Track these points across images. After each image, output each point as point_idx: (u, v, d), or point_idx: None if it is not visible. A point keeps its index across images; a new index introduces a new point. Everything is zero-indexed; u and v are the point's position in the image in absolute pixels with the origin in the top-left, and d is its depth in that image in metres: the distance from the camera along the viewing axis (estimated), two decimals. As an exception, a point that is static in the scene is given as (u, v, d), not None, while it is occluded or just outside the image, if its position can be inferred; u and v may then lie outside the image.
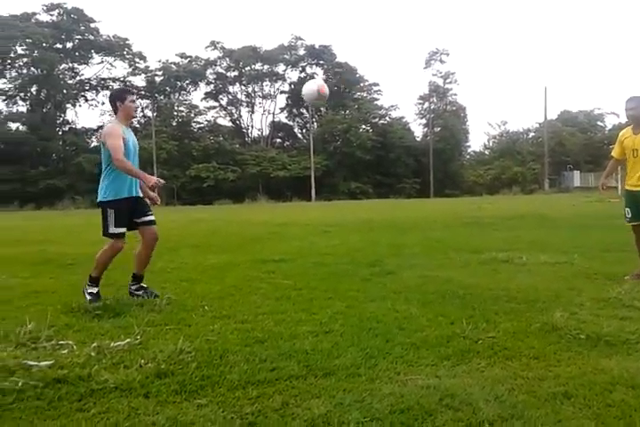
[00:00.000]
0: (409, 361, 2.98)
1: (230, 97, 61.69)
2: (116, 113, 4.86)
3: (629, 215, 5.47)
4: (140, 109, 57.96)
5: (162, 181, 4.55)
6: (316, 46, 59.65)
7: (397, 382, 2.69)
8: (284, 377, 2.77)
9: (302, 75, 61.40)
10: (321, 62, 60.87)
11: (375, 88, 62.69)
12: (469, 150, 66.00)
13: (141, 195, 4.86)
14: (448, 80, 60.61)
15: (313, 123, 58.88)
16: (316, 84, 5.65)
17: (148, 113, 56.18)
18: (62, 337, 3.46)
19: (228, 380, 2.75)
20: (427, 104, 61.09)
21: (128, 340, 3.37)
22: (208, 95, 60.50)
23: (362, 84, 62.61)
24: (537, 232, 10.06)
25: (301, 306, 4.31)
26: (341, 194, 49.58)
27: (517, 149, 59.39)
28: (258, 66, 59.76)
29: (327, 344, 3.27)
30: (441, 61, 60.18)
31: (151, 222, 4.81)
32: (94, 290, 4.69)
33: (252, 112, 61.99)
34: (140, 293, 4.81)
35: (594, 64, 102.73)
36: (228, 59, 59.38)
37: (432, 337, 3.39)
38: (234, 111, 62.12)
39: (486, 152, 66.44)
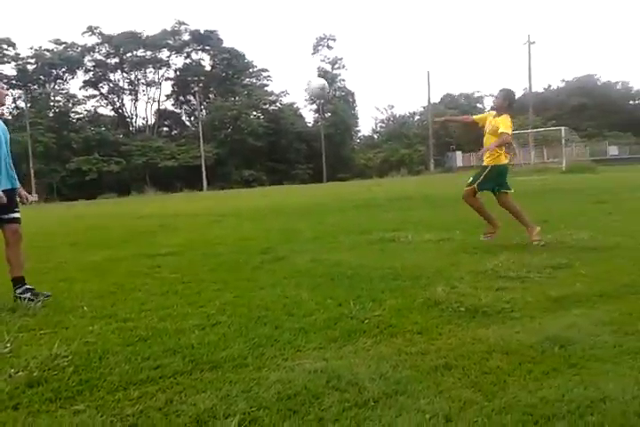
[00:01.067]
0: (297, 346, 2.97)
1: (111, 85, 59.00)
2: None
3: (470, 180, 6.28)
4: (10, 100, 53.78)
5: (4, 199, 4.22)
6: (202, 31, 58.19)
7: (285, 368, 2.67)
8: (167, 374, 2.67)
9: (188, 61, 59.79)
10: (207, 48, 59.57)
11: (264, 74, 62.54)
12: (359, 135, 67.66)
13: (15, 187, 4.51)
14: (336, 66, 61.69)
15: (201, 110, 57.57)
16: None
17: (21, 104, 52.40)
18: None
19: (108, 382, 2.61)
20: (316, 90, 61.58)
21: (-4, 349, 3.10)
22: (87, 83, 57.41)
23: (251, 70, 62.13)
24: (422, 211, 10.46)
25: (188, 300, 4.17)
26: (235, 182, 49.05)
27: (404, 131, 61.61)
28: (140, 52, 57.47)
29: (214, 337, 3.19)
30: (328, 47, 61.10)
31: (15, 220, 4.50)
32: (26, 287, 4.45)
33: (136, 100, 59.68)
34: (28, 295, 4.39)
35: (473, 48, 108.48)
36: (107, 45, 56.50)
37: (320, 320, 3.40)
38: (116, 100, 59.48)
39: (375, 136, 68.38)
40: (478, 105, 66.35)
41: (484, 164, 6.23)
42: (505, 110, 6.18)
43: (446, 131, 57.91)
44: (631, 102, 60.71)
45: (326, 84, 6.71)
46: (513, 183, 6.32)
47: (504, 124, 6.00)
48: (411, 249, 6.04)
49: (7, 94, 4.78)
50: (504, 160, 6.23)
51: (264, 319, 3.51)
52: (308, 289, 4.28)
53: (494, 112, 6.32)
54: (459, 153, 51.88)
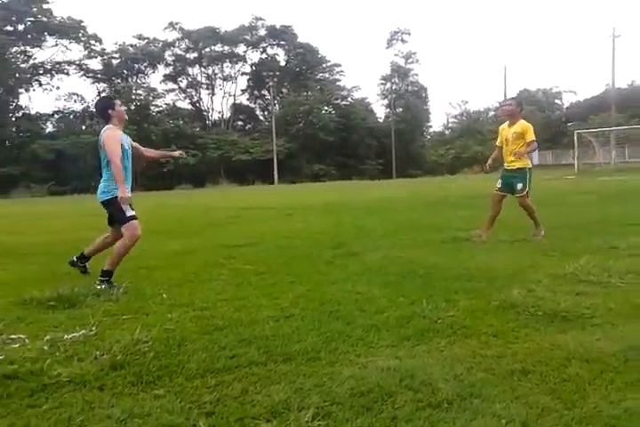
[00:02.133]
0: (369, 343, 2.98)
1: (190, 79, 60.66)
2: (108, 121, 5.02)
3: (499, 185, 6.87)
4: (96, 93, 56.40)
5: (129, 195, 4.82)
6: (277, 27, 58.89)
7: (358, 364, 2.69)
8: (243, 364, 2.74)
9: (263, 56, 60.65)
10: (282, 43, 60.22)
11: (337, 69, 62.54)
12: (430, 130, 66.55)
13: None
14: (410, 60, 60.85)
15: (275, 105, 58.32)
16: None
17: (106, 97, 54.73)
18: (13, 331, 3.34)
19: (187, 369, 2.70)
20: (388, 85, 61.19)
21: (83, 331, 3.29)
22: (167, 78, 59.37)
23: (324, 65, 62.29)
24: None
25: (262, 291, 4.26)
26: (305, 176, 49.44)
27: (478, 128, 60.06)
28: (218, 47, 58.76)
29: (288, 329, 3.24)
30: (402, 41, 60.31)
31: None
32: (108, 280, 4.75)
33: (213, 94, 61.20)
34: (82, 265, 5.31)
35: (551, 43, 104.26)
36: (186, 40, 58.15)
37: (392, 318, 3.39)
38: (194, 94, 61.15)
39: (446, 132, 67.06)
40: (556, 101, 63.73)
41: (519, 166, 6.67)
42: (519, 116, 6.78)
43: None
44: None
45: None
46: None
47: (530, 132, 6.60)
48: (485, 249, 5.90)
49: (126, 109, 5.38)
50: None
51: (336, 314, 3.54)
52: (380, 286, 4.28)
53: (505, 124, 6.88)
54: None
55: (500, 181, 6.93)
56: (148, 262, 5.91)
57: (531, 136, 6.61)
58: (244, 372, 2.65)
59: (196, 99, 61.23)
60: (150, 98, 55.39)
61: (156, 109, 56.24)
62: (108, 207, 4.97)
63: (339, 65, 62.33)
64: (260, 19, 59.04)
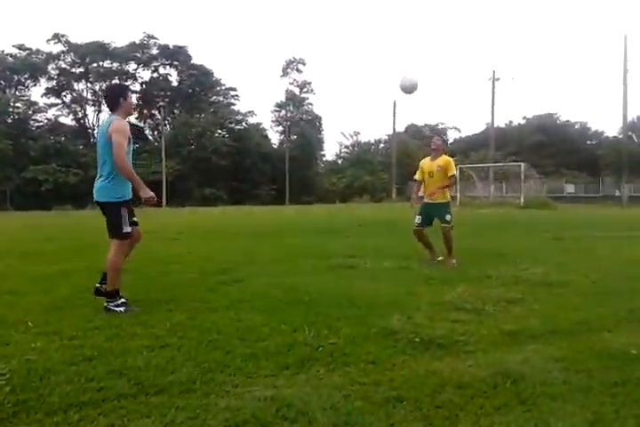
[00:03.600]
0: (248, 373, 2.90)
1: (75, 95, 57.83)
2: (114, 109, 4.59)
3: (419, 221, 7.13)
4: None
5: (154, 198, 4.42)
6: (170, 46, 57.94)
7: (234, 395, 2.60)
8: (111, 397, 2.57)
9: (155, 75, 59.37)
10: (175, 63, 59.25)
11: (232, 93, 62.47)
12: (324, 159, 68.08)
13: None
14: (304, 89, 62.10)
15: (165, 125, 57.03)
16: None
17: (-21, 108, 50.92)
18: None
19: (47, 403, 2.50)
20: (283, 112, 62.02)
21: None
22: (49, 91, 56.26)
23: (218, 88, 62.02)
24: (383, 239, 10.51)
25: (138, 319, 4.04)
26: (195, 200, 48.44)
27: (368, 158, 62.34)
28: (106, 63, 56.67)
29: (162, 359, 3.09)
30: (297, 70, 61.56)
31: (137, 223, 4.68)
32: (121, 301, 4.42)
33: (99, 111, 58.49)
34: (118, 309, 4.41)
35: (439, 81, 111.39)
36: (72, 54, 55.59)
37: (273, 346, 3.34)
38: (78, 110, 58.29)
39: (339, 161, 68.93)
40: (443, 136, 67.84)
41: (443, 201, 7.07)
42: (443, 151, 7.26)
43: (409, 160, 58.82)
44: (588, 142, 62.87)
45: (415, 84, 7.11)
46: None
47: (452, 167, 7.06)
48: (368, 276, 6.02)
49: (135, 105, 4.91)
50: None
51: (215, 343, 3.42)
52: (263, 313, 4.21)
53: (427, 158, 7.30)
54: (420, 182, 52.54)
55: (419, 216, 7.15)
56: (13, 287, 5.45)
57: (452, 170, 7.05)
58: (111, 405, 2.48)
59: (80, 115, 58.47)
60: (30, 112, 52.22)
61: (36, 124, 53.10)
62: (107, 210, 4.48)
63: (234, 89, 62.41)
64: (153, 37, 57.84)
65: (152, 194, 4.38)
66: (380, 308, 4.39)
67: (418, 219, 7.13)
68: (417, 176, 7.40)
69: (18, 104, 51.76)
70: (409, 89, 7.13)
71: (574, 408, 2.48)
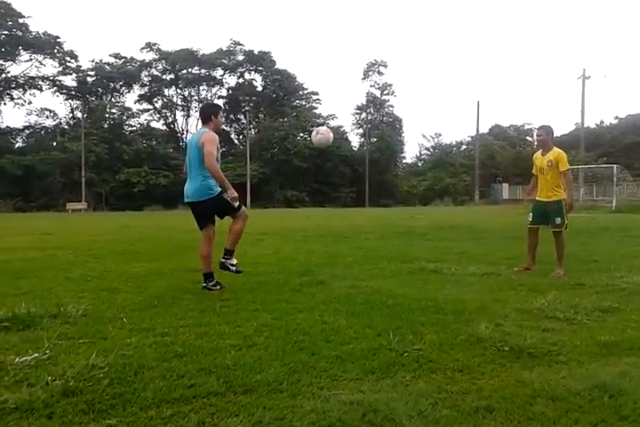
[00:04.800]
0: (333, 375, 2.90)
1: (165, 100, 60.66)
2: (206, 123, 5.48)
3: (531, 219, 6.66)
4: (69, 110, 55.92)
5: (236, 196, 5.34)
6: (255, 52, 59.55)
7: (320, 397, 2.61)
8: (201, 394, 2.63)
9: (240, 80, 61.14)
10: (260, 69, 60.80)
11: (314, 97, 63.31)
12: (404, 161, 67.46)
13: None
14: (385, 92, 61.94)
15: (250, 129, 58.56)
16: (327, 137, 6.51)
17: (78, 114, 54.41)
18: (-39, 353, 3.17)
19: (142, 398, 2.59)
20: (364, 114, 62.11)
21: (36, 355, 3.14)
22: (142, 98, 59.28)
23: (300, 93, 62.97)
24: (467, 243, 10.27)
25: (226, 318, 4.15)
26: (277, 202, 49.45)
27: (450, 160, 61.19)
28: (195, 69, 59.07)
29: (250, 359, 3.15)
30: (379, 73, 61.44)
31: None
32: (234, 261, 5.53)
33: (188, 116, 61.14)
34: (233, 269, 5.54)
35: (525, 80, 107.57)
36: (164, 61, 58.38)
37: (358, 350, 3.32)
38: (168, 115, 61.09)
39: (419, 163, 68.07)
40: (528, 138, 65.42)
41: (554, 199, 6.47)
42: (552, 144, 6.62)
43: (493, 162, 57.23)
44: (688, 142, 58.72)
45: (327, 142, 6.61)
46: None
47: (563, 161, 6.45)
48: (453, 281, 5.89)
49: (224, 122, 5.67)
50: None
51: (301, 344, 3.45)
52: (347, 316, 4.21)
53: (538, 152, 6.74)
54: (505, 185, 51.13)
55: (531, 213, 6.71)
56: (110, 284, 5.76)
57: (564, 165, 6.47)
58: (201, 403, 2.54)
59: (170, 120, 61.22)
60: (124, 117, 55.27)
61: (130, 129, 56.11)
62: (210, 205, 5.34)
63: (315, 93, 63.21)
64: (239, 43, 59.69)
65: (237, 195, 5.29)
66: (467, 314, 4.28)
67: (530, 216, 6.70)
68: (533, 170, 6.82)
69: (113, 110, 54.91)
70: (324, 145, 6.70)
71: (681, 428, 2.31)
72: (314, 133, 6.58)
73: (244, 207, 5.54)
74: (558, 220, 6.44)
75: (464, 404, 2.54)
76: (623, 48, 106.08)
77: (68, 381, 2.72)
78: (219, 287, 5.38)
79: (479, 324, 3.86)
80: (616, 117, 64.05)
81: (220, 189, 5.31)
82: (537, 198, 6.67)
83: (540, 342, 3.46)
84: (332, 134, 6.58)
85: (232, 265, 5.50)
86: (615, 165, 31.30)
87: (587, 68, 46.24)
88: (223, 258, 5.50)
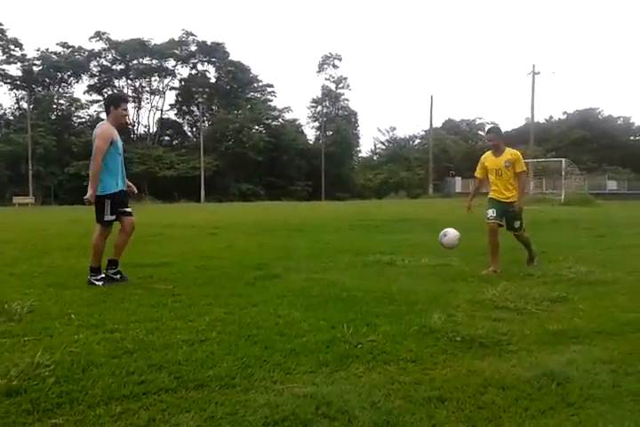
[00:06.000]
0: (287, 369, 2.89)
1: (115, 91, 58.96)
2: (107, 115, 5.53)
3: (493, 214, 6.25)
4: (14, 101, 53.92)
5: (92, 202, 5.23)
6: (209, 43, 58.59)
7: (273, 391, 2.59)
8: (152, 391, 2.58)
9: (193, 71, 60.14)
10: (213, 60, 59.91)
11: (269, 89, 62.88)
12: (360, 155, 67.86)
13: (125, 188, 5.58)
14: (340, 85, 62.06)
15: (204, 121, 57.72)
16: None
17: (24, 105, 52.51)
18: None
19: (90, 395, 2.52)
20: (319, 108, 62.11)
21: (-23, 354, 3.01)
22: (91, 88, 57.61)
23: (255, 85, 62.43)
24: (420, 235, 10.40)
25: (178, 313, 4.08)
26: (232, 195, 49.00)
27: (405, 154, 61.87)
28: (146, 60, 57.70)
29: (202, 354, 3.10)
30: (334, 66, 61.51)
31: (130, 213, 5.52)
32: (100, 276, 5.32)
33: (139, 108, 59.81)
34: (118, 277, 5.42)
35: (477, 76, 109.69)
36: (113, 51, 56.82)
37: (312, 342, 3.32)
38: (119, 106, 59.50)
39: (375, 157, 68.61)
40: (479, 132, 66.73)
41: (513, 200, 6.26)
42: (503, 146, 6.41)
43: (446, 156, 58.18)
44: (632, 138, 61.18)
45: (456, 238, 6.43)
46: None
47: (520, 161, 6.31)
48: (407, 273, 5.96)
49: (127, 114, 5.79)
50: None
51: (254, 338, 3.42)
52: (301, 309, 4.20)
53: (487, 153, 6.50)
54: (458, 179, 52.03)
55: (493, 209, 6.28)
56: (58, 280, 5.59)
57: (521, 166, 6.31)
58: (152, 399, 2.49)
59: (121, 111, 59.69)
60: (73, 108, 53.56)
61: (79, 120, 54.44)
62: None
63: (271, 85, 62.79)
64: (191, 34, 58.62)
65: (88, 197, 5.19)
66: (420, 305, 4.33)
67: (492, 211, 6.26)
68: (477, 173, 6.64)
69: (61, 101, 53.22)
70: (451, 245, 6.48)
71: (624, 412, 2.39)
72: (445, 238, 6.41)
73: (105, 221, 5.41)
74: (517, 223, 6.33)
75: (416, 394, 2.57)
76: (572, 44, 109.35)
77: (12, 380, 2.63)
78: (118, 276, 5.46)
79: (432, 314, 3.91)
80: (564, 113, 66.00)
81: (109, 191, 5.32)
82: (493, 196, 6.37)
83: (491, 332, 3.53)
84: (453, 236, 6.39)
85: (97, 280, 5.33)
86: (563, 159, 32.25)
87: (536, 64, 47.34)
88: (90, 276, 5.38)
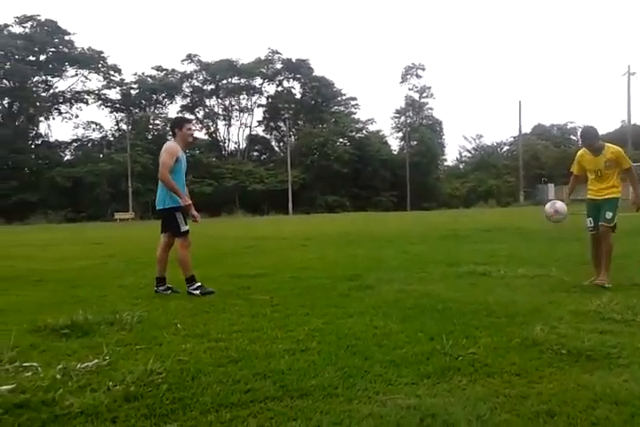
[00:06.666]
0: (388, 380, 2.88)
1: (207, 110, 61.79)
2: (174, 137, 5.87)
3: (591, 224, 5.87)
4: (114, 123, 57.48)
5: (195, 214, 5.81)
6: (293, 60, 60.09)
7: (376, 402, 2.59)
8: (258, 399, 2.65)
9: (279, 88, 61.77)
10: (298, 76, 61.30)
11: (352, 102, 63.39)
12: (445, 164, 66.71)
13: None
14: (424, 94, 61.56)
15: (290, 136, 59.03)
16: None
17: (123, 126, 55.88)
18: (26, 359, 3.28)
19: (201, 402, 2.62)
20: (403, 118, 61.83)
21: (96, 361, 3.22)
22: (184, 108, 60.46)
23: (339, 98, 63.17)
24: (514, 245, 10.08)
25: (277, 323, 4.19)
26: (319, 207, 49.58)
27: (492, 162, 60.18)
28: (235, 79, 59.94)
29: (304, 363, 3.16)
30: (417, 76, 61.14)
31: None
32: (198, 284, 5.62)
33: (229, 125, 62.09)
34: (169, 292, 5.74)
35: (567, 79, 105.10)
36: (204, 72, 59.49)
37: (411, 354, 3.30)
38: (210, 124, 62.08)
39: (460, 166, 67.19)
40: (572, 137, 63.76)
41: (611, 196, 5.76)
42: (599, 142, 5.84)
43: (537, 162, 55.99)
44: None
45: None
46: (616, 220, 5.93)
47: (625, 158, 5.82)
48: (504, 284, 5.79)
49: (193, 133, 6.02)
50: None
51: (353, 349, 3.45)
52: (398, 320, 4.18)
53: (583, 150, 5.96)
54: (551, 185, 49.89)
55: (589, 219, 5.91)
56: (162, 291, 5.87)
57: (627, 162, 5.82)
58: (259, 407, 2.56)
59: (212, 129, 62.18)
60: (167, 128, 56.37)
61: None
62: (162, 215, 5.77)
63: (354, 98, 63.27)
64: (277, 52, 60.38)
65: (189, 202, 5.62)
66: (520, 317, 4.19)
67: (589, 222, 5.90)
68: (574, 169, 6.13)
69: (157, 121, 56.19)
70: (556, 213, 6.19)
71: None
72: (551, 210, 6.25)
73: (188, 236, 5.74)
74: (609, 214, 5.70)
75: (524, 408, 2.49)
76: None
77: (129, 386, 2.78)
78: (169, 292, 5.73)
79: (534, 326, 3.78)
80: (665, 113, 61.85)
81: (176, 205, 5.62)
82: (590, 197, 5.94)
83: (598, 345, 3.37)
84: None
85: (194, 290, 5.61)
86: (667, 162, 30.18)
87: (631, 65, 44.80)
88: (187, 287, 5.68)
